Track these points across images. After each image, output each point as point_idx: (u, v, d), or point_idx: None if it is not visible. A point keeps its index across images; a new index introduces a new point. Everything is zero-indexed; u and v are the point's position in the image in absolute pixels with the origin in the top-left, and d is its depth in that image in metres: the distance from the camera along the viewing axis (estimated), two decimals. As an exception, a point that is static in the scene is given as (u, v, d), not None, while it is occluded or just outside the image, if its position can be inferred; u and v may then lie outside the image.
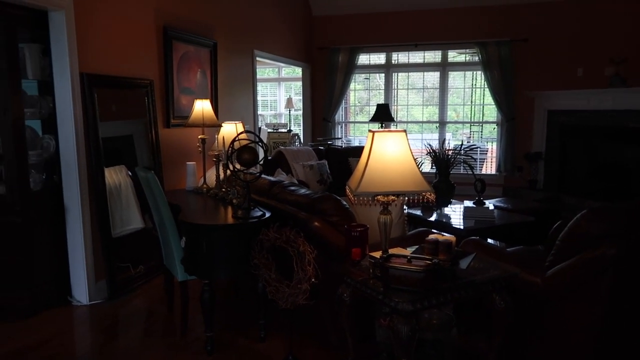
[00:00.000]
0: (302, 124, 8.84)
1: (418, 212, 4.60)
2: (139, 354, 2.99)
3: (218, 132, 3.96)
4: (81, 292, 3.71)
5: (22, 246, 3.47)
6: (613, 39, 6.76)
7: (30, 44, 3.54)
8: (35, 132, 3.70)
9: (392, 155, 2.24)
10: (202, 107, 4.05)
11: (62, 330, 3.30)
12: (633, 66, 6.46)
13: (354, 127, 9.07)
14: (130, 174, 4.10)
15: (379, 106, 7.33)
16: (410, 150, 2.30)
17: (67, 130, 3.60)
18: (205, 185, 3.95)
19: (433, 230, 3.32)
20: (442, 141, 7.58)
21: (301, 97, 8.78)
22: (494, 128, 8.01)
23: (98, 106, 3.78)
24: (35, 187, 3.57)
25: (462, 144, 5.40)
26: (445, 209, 4.81)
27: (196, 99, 4.21)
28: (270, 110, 11.23)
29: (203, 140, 3.99)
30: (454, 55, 8.13)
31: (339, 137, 8.69)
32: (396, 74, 8.49)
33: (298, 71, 8.84)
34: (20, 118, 3.42)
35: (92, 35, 3.74)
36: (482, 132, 8.23)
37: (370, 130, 2.31)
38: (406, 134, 2.31)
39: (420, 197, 2.28)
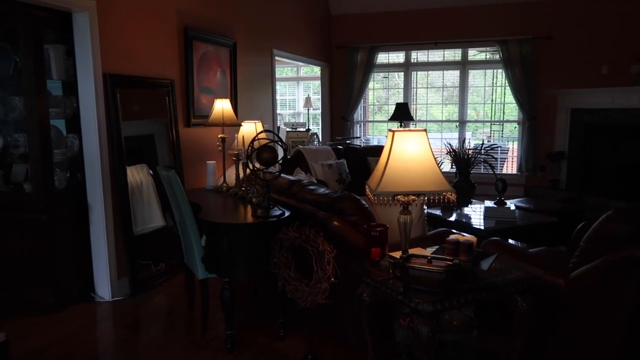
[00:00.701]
0: (320, 123, 8.84)
1: (438, 212, 4.57)
2: (160, 351, 3.02)
3: (238, 131, 3.98)
4: (104, 288, 3.78)
5: (46, 243, 3.53)
6: (639, 36, 6.60)
7: (55, 45, 3.61)
8: (60, 131, 3.77)
9: (412, 155, 2.23)
10: (222, 106, 4.07)
11: (85, 326, 3.37)
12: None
13: (373, 126, 9.04)
14: (151, 172, 4.15)
15: (398, 105, 7.29)
16: (431, 149, 2.28)
17: (90, 129, 3.66)
18: (225, 184, 3.98)
19: (453, 231, 3.29)
20: (462, 140, 7.50)
21: (320, 96, 8.78)
22: (515, 127, 7.90)
23: (120, 106, 3.83)
24: (59, 185, 3.64)
25: (482, 143, 5.34)
26: (465, 209, 4.76)
27: (216, 98, 4.24)
28: (289, 109, 11.25)
29: (223, 139, 4.02)
30: (474, 54, 8.03)
31: (358, 136, 8.66)
32: (415, 72, 8.43)
33: (316, 70, 8.84)
34: (45, 118, 3.49)
35: (115, 36, 3.80)
36: (502, 131, 8.12)
37: (390, 130, 2.30)
38: (426, 133, 2.29)
39: (441, 197, 2.26)
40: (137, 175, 4.05)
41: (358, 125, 8.81)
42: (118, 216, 3.83)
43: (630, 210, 2.39)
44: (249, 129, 3.89)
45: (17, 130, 3.71)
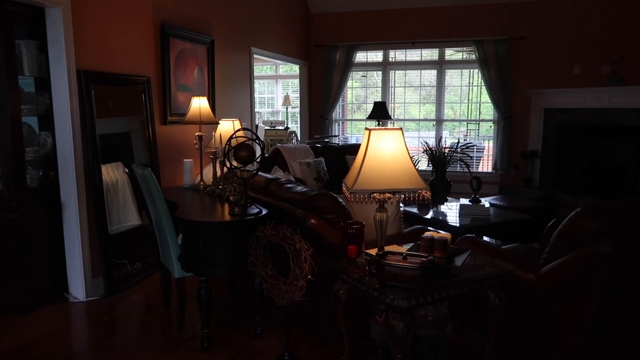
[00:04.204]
0: (299, 122, 8.84)
1: (414, 210, 4.62)
2: (136, 350, 2.99)
3: (215, 129, 3.96)
4: (78, 288, 3.72)
5: (18, 242, 3.46)
6: (610, 37, 6.78)
7: (27, 40, 3.53)
8: (32, 128, 3.70)
9: (388, 153, 2.26)
10: (199, 104, 4.05)
11: (59, 326, 3.31)
12: (630, 65, 6.49)
13: (351, 125, 9.08)
14: (127, 170, 4.10)
15: (376, 104, 7.34)
16: (407, 148, 2.31)
17: (63, 126, 3.60)
18: (202, 183, 3.95)
19: (429, 228, 3.34)
20: (438, 139, 7.59)
21: (298, 95, 8.79)
22: (491, 126, 8.03)
23: (95, 103, 3.78)
24: (32, 183, 3.57)
25: (458, 142, 5.42)
26: (442, 206, 4.83)
27: (193, 96, 4.21)
28: (268, 107, 11.22)
29: (200, 137, 3.99)
30: (451, 53, 8.14)
31: (336, 134, 8.70)
32: (393, 71, 8.49)
33: (295, 69, 8.84)
34: (16, 115, 3.42)
35: (89, 32, 3.74)
36: (478, 130, 8.24)
37: (366, 128, 2.33)
38: (402, 132, 2.32)
39: (416, 195, 2.29)
40: (112, 173, 4.00)
41: (336, 124, 8.84)
42: (92, 215, 3.77)
43: (598, 207, 2.46)
44: (227, 127, 3.88)
45: (-13, 127, 3.62)
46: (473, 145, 7.81)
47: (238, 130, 3.24)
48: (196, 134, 4.02)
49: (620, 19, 6.72)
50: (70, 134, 3.59)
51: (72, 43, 3.55)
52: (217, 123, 4.00)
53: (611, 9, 6.77)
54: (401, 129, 2.34)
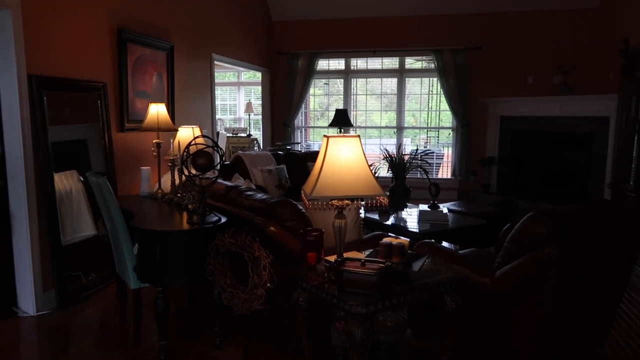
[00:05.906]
0: (261, 129, 8.80)
1: (375, 216, 4.66)
2: (89, 365, 2.90)
3: (174, 136, 3.90)
4: (28, 302, 3.57)
5: (-37, 255, 3.30)
6: (560, 48, 7.08)
7: (-26, 43, 3.39)
8: (-21, 135, 3.54)
9: (346, 160, 2.27)
10: (157, 110, 3.97)
11: (8, 343, 3.16)
12: (580, 75, 6.78)
13: (314, 132, 9.11)
14: (82, 179, 3.97)
15: (337, 111, 7.38)
16: (364, 155, 2.33)
17: (13, 134, 3.46)
18: (160, 191, 3.87)
19: (389, 234, 3.37)
20: (398, 146, 7.71)
21: (261, 102, 8.76)
22: (450, 133, 8.21)
23: (48, 109, 3.65)
24: (-22, 193, 3.41)
25: (417, 149, 5.51)
26: (402, 212, 4.89)
27: (151, 102, 4.13)
28: (230, 114, 11.13)
29: (158, 144, 3.92)
30: (411, 62, 8.29)
31: (299, 141, 8.70)
32: (355, 79, 8.58)
33: (258, 75, 8.81)
34: (-39, 121, 3.27)
35: (41, 36, 3.61)
36: (438, 137, 8.42)
37: (325, 136, 2.34)
38: (360, 139, 2.34)
39: (375, 201, 2.31)
40: (66, 182, 3.86)
41: (299, 131, 8.85)
42: (44, 225, 3.63)
43: (549, 211, 2.54)
44: (186, 134, 3.81)
45: None
46: (432, 152, 7.97)
47: (197, 137, 3.20)
48: (154, 141, 3.94)
49: (570, 31, 7.03)
50: (20, 142, 3.45)
51: (22, 47, 3.42)
52: (176, 130, 3.93)
53: (562, 21, 7.07)
54: (359, 136, 2.36)
